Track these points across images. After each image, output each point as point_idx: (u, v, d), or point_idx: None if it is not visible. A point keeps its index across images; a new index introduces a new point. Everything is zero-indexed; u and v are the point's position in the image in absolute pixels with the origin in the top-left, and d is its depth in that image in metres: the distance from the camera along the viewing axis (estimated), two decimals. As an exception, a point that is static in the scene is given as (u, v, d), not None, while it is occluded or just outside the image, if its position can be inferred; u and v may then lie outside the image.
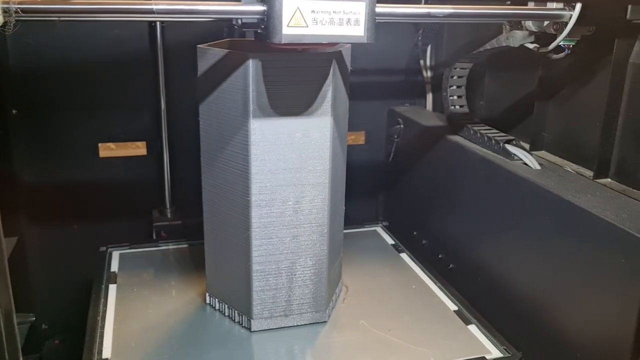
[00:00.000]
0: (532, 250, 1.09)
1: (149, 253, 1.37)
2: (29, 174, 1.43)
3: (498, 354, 1.03)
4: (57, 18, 0.84)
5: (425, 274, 1.30)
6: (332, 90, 0.98)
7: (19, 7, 0.77)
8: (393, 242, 1.45)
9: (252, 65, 0.93)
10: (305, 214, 1.03)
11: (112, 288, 1.21)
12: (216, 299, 1.13)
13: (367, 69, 1.64)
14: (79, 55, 1.40)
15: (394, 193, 1.66)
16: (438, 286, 1.24)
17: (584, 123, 1.15)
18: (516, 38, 1.06)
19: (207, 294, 1.15)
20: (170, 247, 1.40)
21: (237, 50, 0.95)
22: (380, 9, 0.86)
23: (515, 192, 1.12)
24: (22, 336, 1.41)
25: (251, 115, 0.95)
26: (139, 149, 1.51)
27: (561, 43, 0.98)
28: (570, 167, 1.16)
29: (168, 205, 1.52)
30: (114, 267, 1.30)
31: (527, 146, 1.24)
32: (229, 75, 0.96)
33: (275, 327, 1.08)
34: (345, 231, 1.49)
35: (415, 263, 1.34)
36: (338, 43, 0.92)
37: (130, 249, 1.38)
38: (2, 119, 1.36)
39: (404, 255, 1.38)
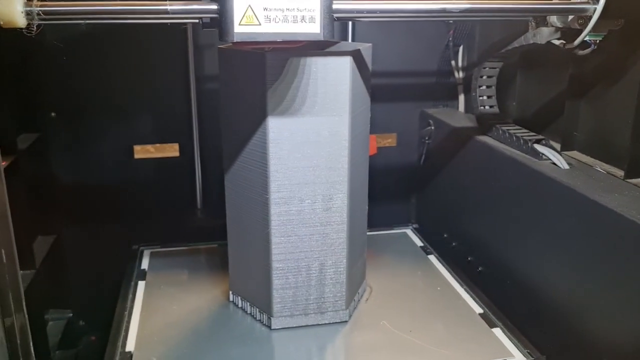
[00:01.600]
0: (559, 252, 1.06)
1: (179, 252, 1.40)
2: (66, 175, 1.49)
3: (521, 358, 1.00)
4: (81, 21, 0.88)
5: (452, 276, 1.27)
6: (350, 89, 0.98)
7: (40, 10, 0.82)
8: (422, 245, 1.43)
9: (268, 64, 0.94)
10: (324, 212, 1.03)
11: (141, 285, 1.24)
12: (239, 297, 1.14)
13: (398, 71, 1.63)
14: (115, 59, 1.45)
15: (426, 195, 1.64)
16: (464, 289, 1.22)
17: (616, 121, 1.11)
18: (542, 35, 1.03)
19: (230, 292, 1.16)
20: (200, 246, 1.42)
21: (254, 49, 0.96)
22: (338, 5, 0.84)
23: (542, 192, 1.09)
24: (58, 332, 1.46)
25: (268, 113, 0.96)
26: (172, 150, 1.55)
27: (587, 38, 0.95)
28: (601, 167, 1.12)
29: (199, 206, 1.55)
30: (145, 265, 1.33)
31: (559, 146, 1.21)
32: (246, 74, 0.98)
33: (295, 326, 1.08)
34: (374, 233, 1.50)
35: (443, 265, 1.32)
36: (298, 41, 0.89)
37: (161, 247, 1.41)
38: (42, 122, 1.42)
39: (432, 258, 1.36)
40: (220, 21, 0.81)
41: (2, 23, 0.83)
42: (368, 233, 1.48)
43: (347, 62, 0.96)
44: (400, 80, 1.64)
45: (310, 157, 1.00)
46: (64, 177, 1.49)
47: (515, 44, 1.13)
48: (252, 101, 0.98)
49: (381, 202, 1.69)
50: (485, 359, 1.00)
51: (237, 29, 0.80)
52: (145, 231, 1.51)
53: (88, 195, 1.52)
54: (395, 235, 1.50)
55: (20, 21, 0.82)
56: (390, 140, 1.67)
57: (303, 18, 0.82)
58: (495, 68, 1.32)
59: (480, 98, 1.36)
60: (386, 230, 1.52)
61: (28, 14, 0.82)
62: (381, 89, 1.64)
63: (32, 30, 0.84)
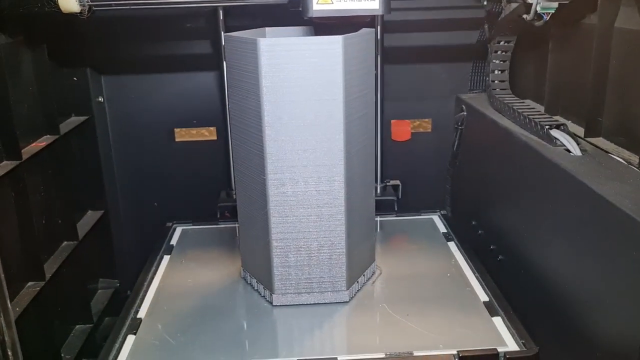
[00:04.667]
0: (563, 241, 1.02)
1: (209, 230, 1.47)
2: (112, 156, 1.61)
3: (514, 348, 0.98)
4: (136, 7, 1.15)
5: (467, 263, 1.26)
6: (342, 73, 0.99)
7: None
8: (445, 231, 1.42)
9: (261, 50, 0.97)
10: (321, 194, 1.06)
11: (166, 259, 1.33)
12: (248, 274, 1.20)
13: (435, 55, 1.61)
14: (156, 48, 1.55)
15: (459, 181, 1.61)
16: (476, 276, 1.20)
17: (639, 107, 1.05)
18: (511, 9, 1.10)
19: (242, 269, 1.22)
20: (229, 225, 1.49)
21: (250, 36, 1.00)
22: None
23: (550, 179, 1.06)
24: (105, 299, 1.59)
25: (263, 97, 1.00)
26: (210, 134, 1.63)
27: (539, 11, 1.03)
28: (622, 154, 1.06)
29: (234, 187, 1.61)
30: (174, 240, 1.42)
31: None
32: (244, 60, 1.02)
33: (295, 304, 1.12)
34: (401, 218, 1.51)
35: (461, 252, 1.31)
36: (364, 16, 1.06)
37: (193, 225, 1.49)
38: (90, 106, 1.54)
39: (451, 244, 1.35)
40: (302, 1, 1.03)
41: (62, 9, 1.08)
42: (395, 218, 1.51)
43: (338, 46, 0.98)
44: (436, 64, 1.62)
45: (305, 140, 1.03)
46: (110, 158, 1.61)
47: (500, 21, 1.13)
48: (249, 86, 1.02)
49: (416, 187, 1.69)
50: (475, 345, 0.98)
51: (315, 7, 1.03)
52: (182, 209, 1.60)
53: (133, 174, 1.64)
54: (422, 220, 1.49)
55: (75, 7, 1.08)
56: (425, 126, 1.65)
57: None
58: (507, 51, 1.29)
59: (493, 81, 1.33)
60: (414, 215, 1.51)
61: (80, 1, 1.07)
62: (417, 74, 1.63)
63: (84, 15, 1.08)
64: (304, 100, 1.00)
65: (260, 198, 1.07)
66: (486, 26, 1.38)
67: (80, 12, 1.09)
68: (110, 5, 1.12)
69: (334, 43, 0.98)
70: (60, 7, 1.08)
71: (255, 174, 1.07)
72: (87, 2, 1.09)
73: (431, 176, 1.68)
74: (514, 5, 1.10)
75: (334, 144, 1.03)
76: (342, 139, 1.03)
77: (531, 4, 1.06)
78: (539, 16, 1.06)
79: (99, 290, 1.62)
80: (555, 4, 1.01)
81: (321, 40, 0.98)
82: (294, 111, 1.01)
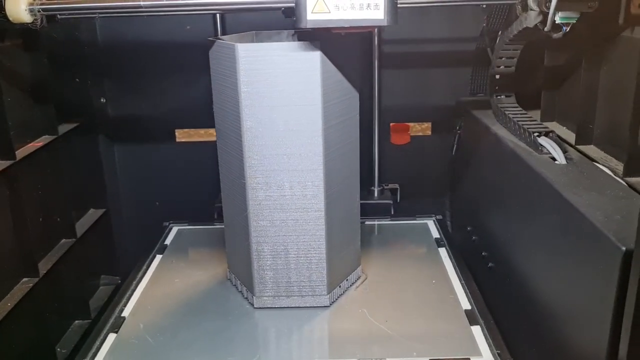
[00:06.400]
0: (546, 253, 1.00)
1: (204, 231, 1.49)
2: (114, 155, 1.64)
3: (489, 357, 0.97)
4: (95, 15, 1.03)
5: (455, 270, 1.25)
6: (321, 79, 0.99)
7: (40, 7, 0.97)
8: (437, 236, 1.41)
9: (239, 55, 0.98)
10: (300, 199, 1.06)
11: (158, 258, 1.35)
12: (233, 275, 1.21)
13: (435, 58, 1.60)
14: (157, 50, 1.57)
15: (457, 187, 1.60)
16: (461, 284, 1.19)
17: (627, 115, 1.02)
18: (530, 19, 1.00)
19: (228, 270, 1.23)
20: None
21: (229, 42, 1.01)
22: None
23: (532, 188, 1.04)
24: (106, 295, 1.62)
25: (242, 102, 1.01)
26: (210, 135, 1.64)
27: (558, 21, 0.93)
28: (609, 164, 1.04)
29: (225, 190, 1.63)
30: (169, 240, 1.44)
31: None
32: (224, 65, 1.03)
33: (276, 306, 1.12)
34: (395, 223, 1.50)
35: (450, 259, 1.30)
36: (365, 27, 0.94)
37: (189, 225, 1.51)
38: (92, 107, 1.57)
39: (442, 250, 1.34)
40: (295, 9, 0.92)
41: (11, 19, 0.98)
42: (389, 222, 1.51)
43: (316, 53, 0.98)
44: (436, 67, 1.60)
45: (284, 145, 1.03)
46: (111, 157, 1.64)
47: (514, 29, 1.08)
48: (229, 90, 1.03)
49: (416, 191, 1.67)
50: (449, 354, 0.98)
51: (310, 16, 0.91)
52: (183, 208, 1.62)
53: (134, 173, 1.68)
54: (416, 225, 1.48)
55: (26, 17, 0.98)
56: (425, 129, 1.64)
57: (368, 5, 0.89)
58: (512, 57, 1.26)
59: (494, 85, 1.30)
60: (408, 220, 1.51)
61: (31, 11, 0.97)
62: (417, 77, 1.61)
63: (36, 25, 0.99)
64: (282, 105, 1.01)
65: (241, 201, 1.08)
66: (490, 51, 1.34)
67: (32, 23, 0.98)
68: (62, 14, 1.01)
69: (312, 49, 0.98)
70: (9, 17, 0.98)
71: (236, 177, 1.08)
72: (40, 12, 0.98)
73: (430, 180, 1.67)
74: (532, 13, 0.98)
75: (312, 149, 1.03)
76: (321, 143, 1.03)
77: (547, 13, 0.95)
78: (557, 27, 0.97)
79: (100, 287, 1.65)
80: (577, 14, 0.92)
81: (299, 45, 0.99)
82: (273, 116, 1.02)
